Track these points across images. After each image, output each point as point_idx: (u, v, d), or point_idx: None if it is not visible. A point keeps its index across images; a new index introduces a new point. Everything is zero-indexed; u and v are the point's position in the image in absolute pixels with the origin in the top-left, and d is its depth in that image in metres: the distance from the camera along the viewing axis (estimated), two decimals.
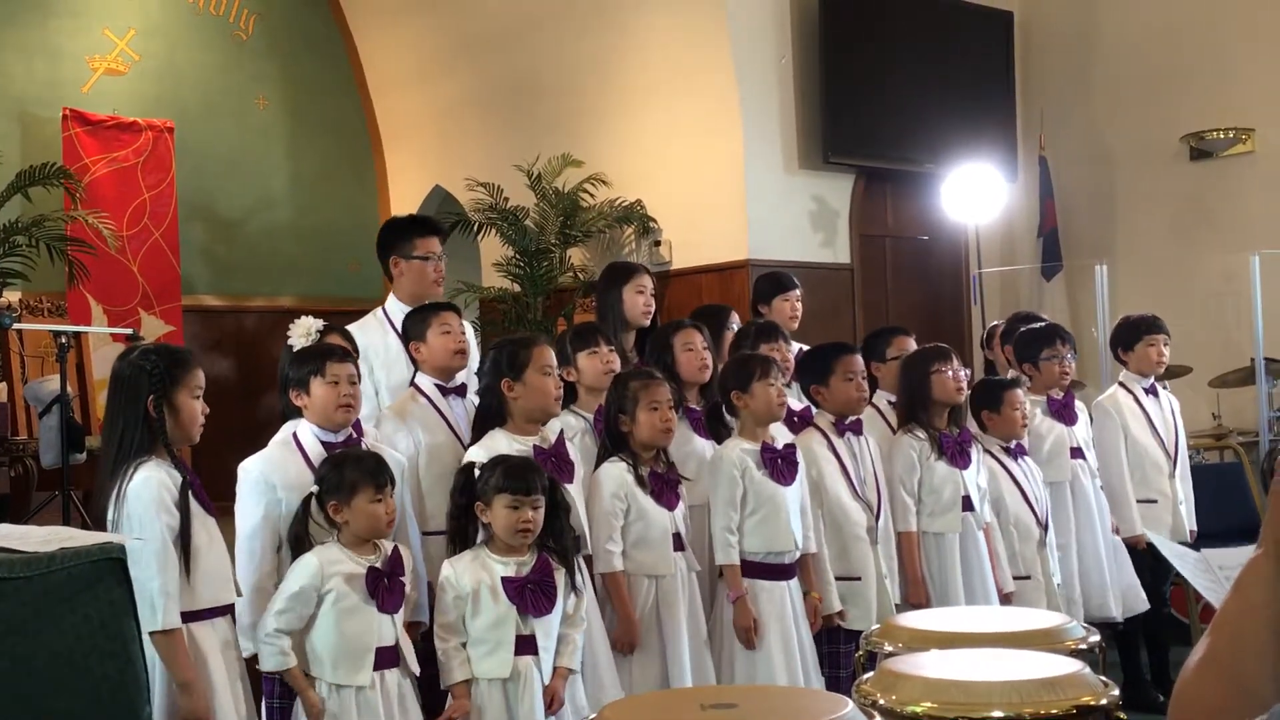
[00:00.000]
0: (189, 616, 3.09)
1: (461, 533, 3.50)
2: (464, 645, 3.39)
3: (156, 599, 3.00)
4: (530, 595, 3.39)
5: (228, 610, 3.25)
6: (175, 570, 3.05)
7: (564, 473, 3.81)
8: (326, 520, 3.36)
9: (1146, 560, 5.33)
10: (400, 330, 4.24)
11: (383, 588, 3.29)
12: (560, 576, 3.46)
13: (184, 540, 3.08)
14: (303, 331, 3.82)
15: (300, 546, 3.36)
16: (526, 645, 3.38)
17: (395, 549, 3.39)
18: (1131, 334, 5.46)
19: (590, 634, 3.74)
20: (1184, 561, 1.79)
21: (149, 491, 3.05)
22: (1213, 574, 1.69)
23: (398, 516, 3.72)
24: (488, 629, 3.37)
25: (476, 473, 3.49)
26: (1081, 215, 8.83)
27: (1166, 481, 5.38)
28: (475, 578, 3.39)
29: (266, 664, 3.27)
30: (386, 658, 3.28)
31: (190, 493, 3.14)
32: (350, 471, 3.32)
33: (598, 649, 3.78)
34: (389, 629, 3.29)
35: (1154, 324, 5.44)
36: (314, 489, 3.38)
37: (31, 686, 2.22)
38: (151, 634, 2.99)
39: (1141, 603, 5.16)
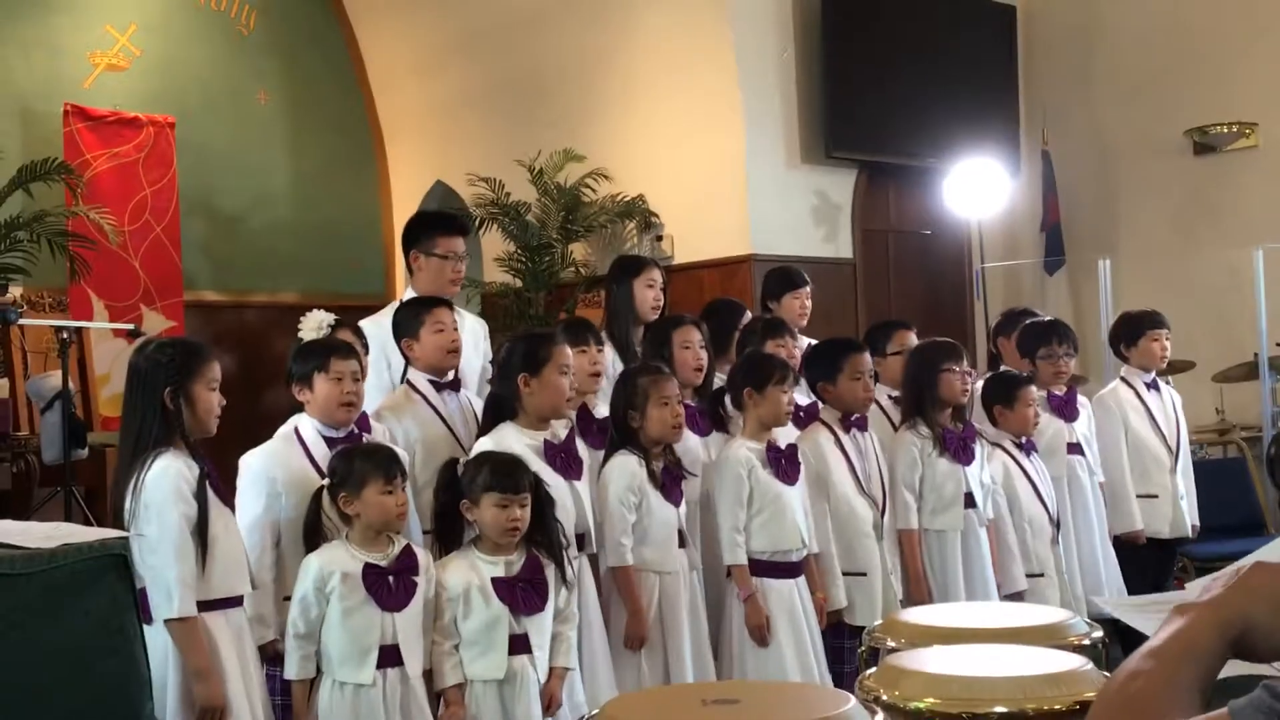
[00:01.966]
0: (202, 606, 3.09)
1: (449, 531, 3.47)
2: (456, 648, 3.35)
3: (173, 588, 3.03)
4: (521, 594, 3.36)
5: (241, 601, 3.26)
6: (192, 560, 3.07)
7: (573, 470, 3.80)
8: (340, 515, 3.35)
9: (1151, 557, 5.34)
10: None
11: (384, 586, 3.26)
12: (551, 572, 3.43)
13: (201, 530, 3.09)
14: (313, 326, 3.82)
15: (313, 542, 3.36)
16: (519, 644, 3.35)
17: (408, 547, 3.37)
18: (1134, 329, 5.46)
19: (589, 631, 3.74)
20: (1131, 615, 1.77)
21: (167, 481, 3.08)
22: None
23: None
24: (480, 630, 3.34)
25: (460, 470, 3.46)
26: (1084, 210, 8.81)
27: (1168, 476, 5.38)
28: (465, 579, 3.35)
29: (288, 670, 3.27)
30: (389, 656, 3.25)
31: (208, 484, 3.15)
32: (360, 463, 3.32)
33: (595, 646, 3.77)
34: (392, 627, 3.26)
35: (1156, 319, 5.44)
36: (324, 482, 3.38)
37: (33, 683, 2.22)
38: (167, 622, 3.03)
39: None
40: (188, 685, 3.06)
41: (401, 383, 4.10)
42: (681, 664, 3.89)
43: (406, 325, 4.04)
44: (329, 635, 3.25)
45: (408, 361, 4.06)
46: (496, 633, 3.33)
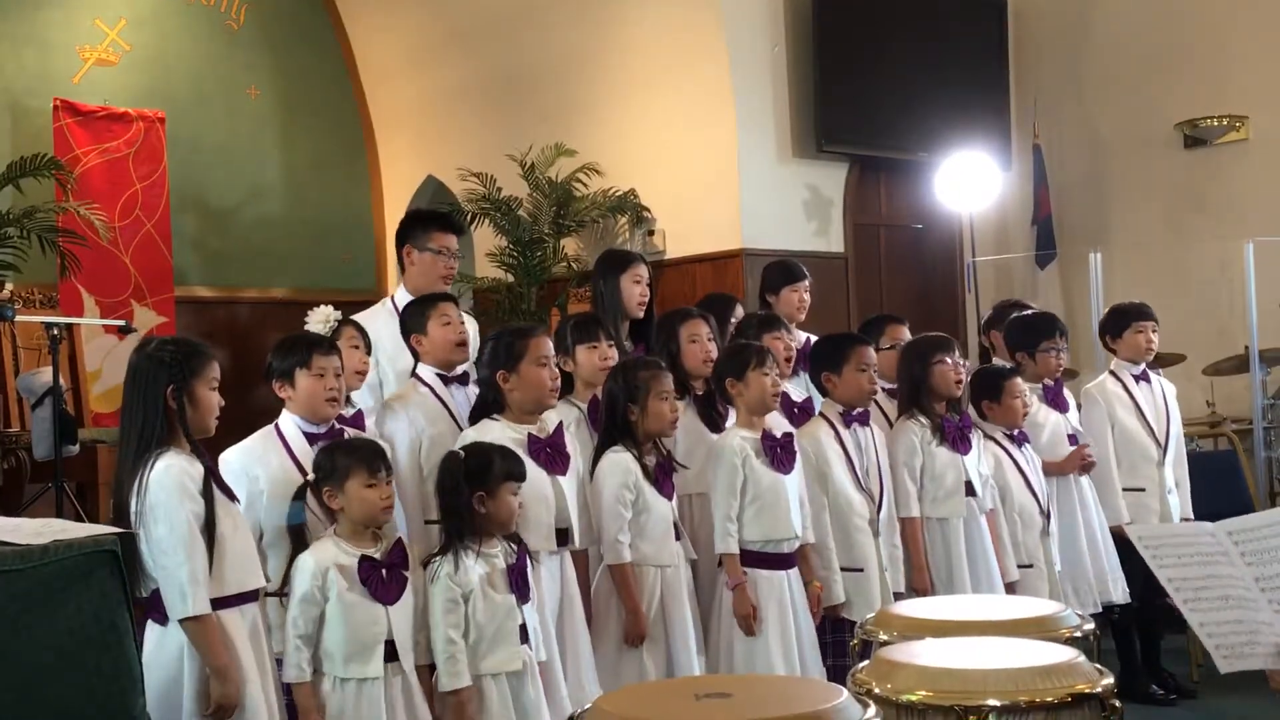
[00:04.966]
0: (216, 603, 3.09)
1: (467, 523, 3.38)
2: (464, 647, 3.32)
3: (186, 586, 3.01)
4: (520, 581, 3.38)
5: (256, 596, 3.25)
6: (203, 557, 3.06)
7: (559, 463, 3.80)
8: (325, 512, 3.34)
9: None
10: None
11: (378, 578, 3.25)
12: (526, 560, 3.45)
13: (209, 527, 3.09)
14: (320, 320, 3.85)
15: (299, 540, 3.35)
16: (522, 634, 3.37)
17: (399, 541, 3.36)
18: (1120, 322, 5.48)
19: (574, 626, 3.74)
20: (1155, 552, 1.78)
21: (171, 480, 3.06)
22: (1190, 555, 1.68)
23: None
24: (492, 622, 3.32)
25: (464, 463, 3.43)
26: (1076, 203, 8.82)
27: (1155, 469, 5.38)
28: (477, 572, 3.34)
29: (289, 673, 3.25)
30: (387, 651, 3.24)
31: (212, 480, 3.15)
32: (343, 457, 3.32)
33: (580, 642, 3.77)
34: (388, 621, 3.25)
35: (1141, 311, 5.45)
36: (310, 478, 3.37)
37: (23, 679, 2.21)
38: (182, 622, 3.01)
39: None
40: (203, 684, 3.05)
41: (411, 376, 4.13)
42: (689, 655, 3.90)
43: (414, 321, 4.08)
44: (330, 633, 3.23)
45: (416, 357, 4.09)
46: (510, 622, 3.34)
